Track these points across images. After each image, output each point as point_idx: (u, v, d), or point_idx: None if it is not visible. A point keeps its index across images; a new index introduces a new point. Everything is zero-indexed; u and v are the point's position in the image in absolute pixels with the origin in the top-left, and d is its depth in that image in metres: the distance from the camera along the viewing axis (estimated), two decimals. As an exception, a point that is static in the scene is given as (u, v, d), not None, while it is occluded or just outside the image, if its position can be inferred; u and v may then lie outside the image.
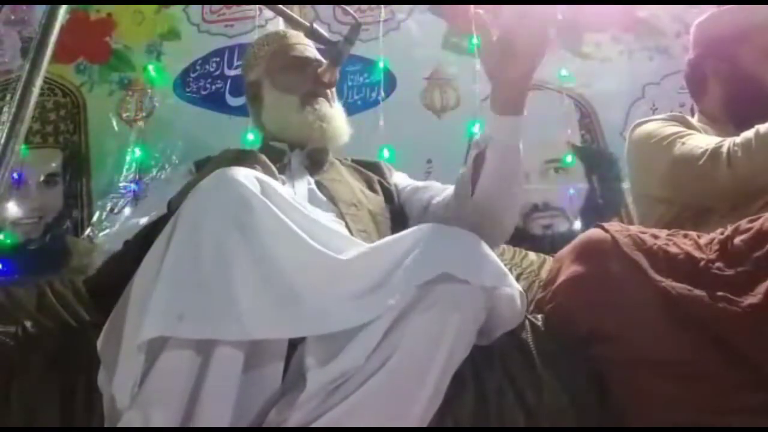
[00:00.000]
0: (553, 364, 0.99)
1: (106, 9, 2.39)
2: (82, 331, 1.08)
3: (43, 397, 0.99)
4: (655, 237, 0.98)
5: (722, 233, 0.96)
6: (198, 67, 2.33)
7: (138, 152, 2.21)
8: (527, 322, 1.03)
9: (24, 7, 2.40)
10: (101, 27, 2.38)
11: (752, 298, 0.86)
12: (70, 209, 2.19)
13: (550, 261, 1.40)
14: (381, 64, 2.22)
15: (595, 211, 2.06)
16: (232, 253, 0.81)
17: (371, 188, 1.36)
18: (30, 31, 2.37)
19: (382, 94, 2.21)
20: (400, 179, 1.43)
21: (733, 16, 1.40)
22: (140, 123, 2.27)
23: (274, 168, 1.14)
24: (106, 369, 0.84)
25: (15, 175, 2.18)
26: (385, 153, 2.04)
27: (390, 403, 0.81)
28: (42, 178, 2.24)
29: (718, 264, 0.92)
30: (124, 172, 2.21)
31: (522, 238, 1.95)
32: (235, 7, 2.37)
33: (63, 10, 0.89)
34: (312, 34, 1.26)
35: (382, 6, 2.30)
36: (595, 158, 2.16)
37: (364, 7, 2.31)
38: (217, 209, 0.84)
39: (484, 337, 0.96)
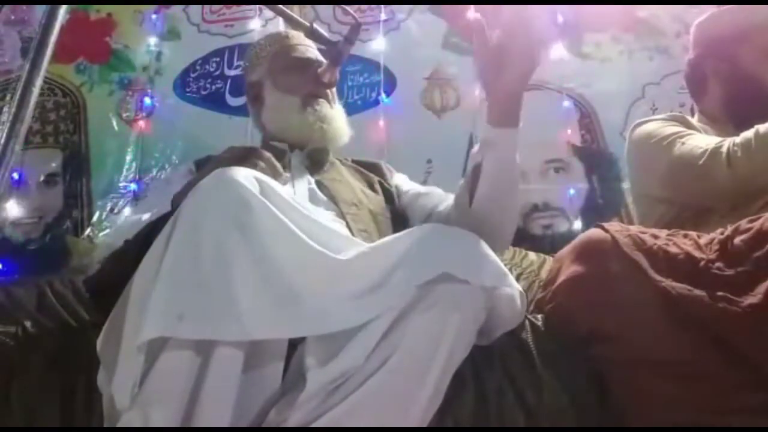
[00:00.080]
0: (553, 364, 0.99)
1: (106, 9, 2.39)
2: (82, 331, 1.08)
3: (43, 397, 0.99)
4: (655, 237, 0.98)
5: (722, 233, 0.96)
6: (198, 67, 2.33)
7: (138, 152, 2.21)
8: (527, 322, 1.03)
9: (24, 7, 2.40)
10: (101, 27, 2.38)
11: (752, 298, 0.86)
12: (70, 209, 2.20)
13: (550, 261, 1.40)
14: (381, 64, 2.22)
15: (595, 211, 2.06)
16: (232, 253, 0.81)
17: (372, 188, 1.36)
18: (30, 31, 2.37)
19: (382, 94, 2.21)
20: (401, 181, 1.43)
21: (733, 16, 1.40)
22: (140, 123, 2.27)
23: (278, 165, 1.14)
24: (105, 369, 0.84)
25: (15, 176, 2.18)
26: (385, 153, 2.04)
27: (390, 403, 0.81)
28: (42, 178, 2.24)
29: (718, 264, 0.92)
30: (124, 172, 2.21)
31: (522, 238, 1.95)
32: (235, 7, 2.37)
33: (63, 10, 0.89)
34: (312, 34, 1.26)
35: (382, 6, 2.30)
36: (595, 158, 2.16)
37: (364, 7, 2.31)
38: (216, 209, 0.84)
39: (484, 337, 0.96)
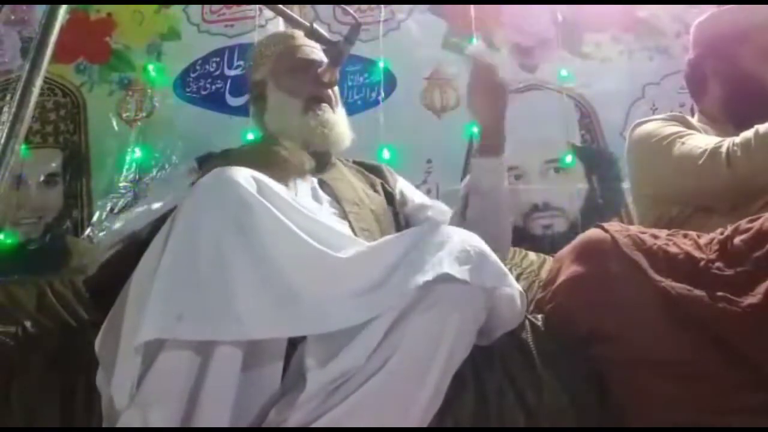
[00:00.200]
0: (553, 364, 0.99)
1: (106, 9, 2.38)
2: (82, 331, 1.08)
3: (43, 397, 0.99)
4: (655, 237, 0.98)
5: (722, 233, 0.96)
6: (198, 67, 2.33)
7: (138, 152, 2.21)
8: (527, 322, 1.03)
9: (24, 7, 2.40)
10: (101, 27, 2.38)
11: (752, 298, 0.86)
12: (70, 209, 2.19)
13: (550, 261, 1.40)
14: (381, 64, 2.22)
15: (595, 211, 2.06)
16: (231, 252, 0.81)
17: (373, 189, 1.37)
18: (30, 31, 2.36)
19: (382, 94, 2.21)
20: (405, 187, 1.44)
21: (733, 16, 1.40)
22: (140, 123, 2.27)
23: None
24: (104, 369, 0.84)
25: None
26: (385, 153, 2.04)
27: (390, 404, 0.81)
28: (42, 178, 2.24)
29: (718, 264, 0.92)
30: (124, 172, 2.21)
31: (522, 238, 1.95)
32: (235, 7, 2.36)
33: (63, 10, 0.89)
34: (312, 34, 1.26)
35: (382, 6, 2.30)
36: (595, 158, 2.16)
37: (364, 7, 2.30)
38: (215, 209, 0.84)
39: (484, 338, 0.96)
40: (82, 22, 2.35)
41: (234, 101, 2.27)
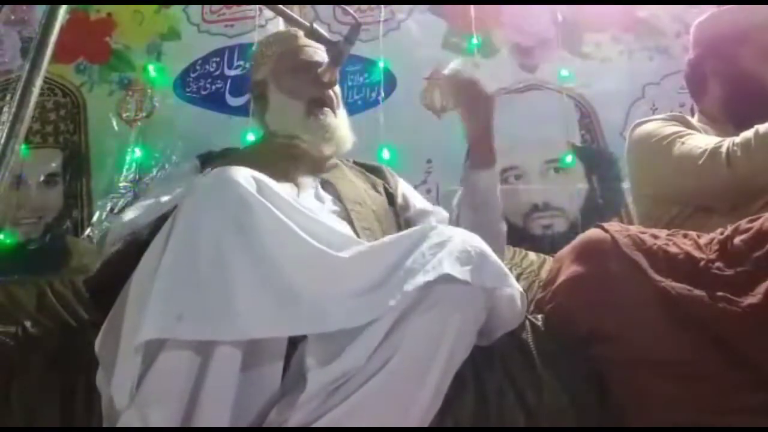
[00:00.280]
0: (553, 364, 0.99)
1: (106, 9, 2.39)
2: (82, 331, 1.08)
3: (43, 397, 0.99)
4: (655, 237, 0.98)
5: (722, 233, 0.96)
6: (198, 67, 2.33)
7: (138, 152, 2.21)
8: (527, 322, 1.04)
9: (24, 7, 2.40)
10: (101, 27, 2.38)
11: (752, 298, 0.86)
12: (70, 209, 2.19)
13: (550, 261, 1.40)
14: (381, 64, 2.22)
15: (595, 211, 2.06)
16: (231, 252, 0.81)
17: (375, 190, 1.37)
18: (30, 31, 2.36)
19: (382, 94, 2.21)
20: (406, 191, 1.45)
21: (733, 16, 1.40)
22: (140, 123, 2.27)
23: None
24: (104, 369, 0.84)
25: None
26: (385, 153, 2.04)
27: (391, 404, 0.81)
28: (42, 178, 2.24)
29: (718, 264, 0.92)
30: (124, 172, 2.21)
31: (522, 238, 1.95)
32: (235, 7, 2.36)
33: (63, 10, 0.89)
34: (312, 34, 1.26)
35: (382, 6, 2.30)
36: (595, 158, 2.16)
37: (364, 7, 2.30)
38: (215, 209, 0.84)
39: (484, 338, 0.96)
40: (82, 22, 2.35)
41: (234, 101, 2.27)
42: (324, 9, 2.30)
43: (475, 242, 0.89)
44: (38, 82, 0.85)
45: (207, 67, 2.33)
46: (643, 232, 0.99)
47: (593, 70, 2.25)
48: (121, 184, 2.20)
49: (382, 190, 1.38)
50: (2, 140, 0.81)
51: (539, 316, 1.07)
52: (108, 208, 2.16)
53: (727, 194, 1.22)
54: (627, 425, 0.96)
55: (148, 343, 0.76)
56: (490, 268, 0.86)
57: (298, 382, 0.82)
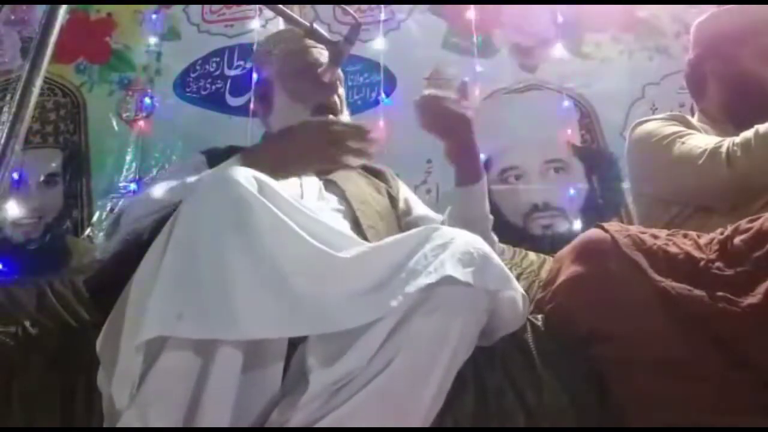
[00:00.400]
0: (553, 364, 0.99)
1: (106, 9, 2.39)
2: (82, 331, 1.08)
3: (43, 397, 0.99)
4: (655, 237, 0.98)
5: (722, 233, 0.96)
6: (198, 67, 2.33)
7: (138, 152, 2.21)
8: (527, 322, 1.03)
9: (24, 7, 2.40)
10: (101, 27, 2.38)
11: (752, 298, 0.86)
12: (70, 209, 2.20)
13: (550, 261, 1.40)
14: (381, 64, 2.22)
15: (595, 211, 2.06)
16: (231, 252, 0.81)
17: (378, 192, 1.37)
18: (30, 31, 2.37)
19: (382, 94, 2.21)
20: (408, 195, 1.45)
21: (733, 16, 1.40)
22: (140, 123, 2.27)
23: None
24: (105, 369, 0.84)
25: (15, 176, 2.18)
26: (385, 152, 2.04)
27: (393, 405, 0.81)
28: (42, 178, 2.24)
29: (718, 264, 0.92)
30: (124, 172, 2.21)
31: (522, 238, 1.95)
32: (235, 7, 2.37)
33: (63, 10, 0.89)
34: (312, 34, 1.26)
35: (382, 6, 2.30)
36: (595, 158, 2.16)
37: (364, 7, 2.31)
38: (215, 209, 0.84)
39: (484, 338, 0.95)
40: (82, 22, 2.36)
41: (234, 101, 2.27)
42: (324, 9, 2.30)
43: (478, 244, 0.88)
44: (38, 82, 0.85)
45: (207, 67, 2.33)
46: (643, 232, 0.99)
47: (593, 70, 2.25)
48: (121, 184, 2.20)
49: (384, 192, 1.38)
50: (2, 140, 0.81)
51: (539, 316, 1.07)
52: (108, 208, 2.17)
53: (727, 194, 1.22)
54: (627, 425, 0.96)
55: (149, 343, 0.76)
56: (493, 271, 0.86)
57: (300, 383, 0.82)
